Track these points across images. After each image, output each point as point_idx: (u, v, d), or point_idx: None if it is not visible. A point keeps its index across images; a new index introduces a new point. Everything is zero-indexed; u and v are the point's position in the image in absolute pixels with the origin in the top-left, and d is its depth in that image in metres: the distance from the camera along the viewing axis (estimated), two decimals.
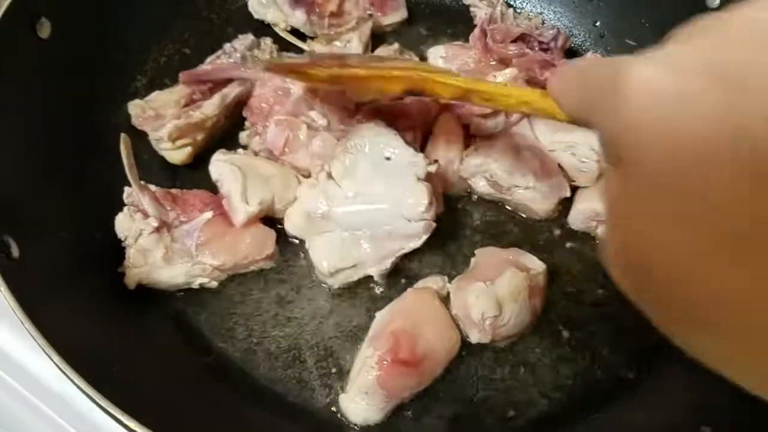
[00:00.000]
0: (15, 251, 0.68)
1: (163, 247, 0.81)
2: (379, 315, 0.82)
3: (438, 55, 1.02)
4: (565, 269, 0.91)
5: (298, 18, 1.04)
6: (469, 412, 0.80)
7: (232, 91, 0.95)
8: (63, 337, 0.62)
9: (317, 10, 1.04)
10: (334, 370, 0.82)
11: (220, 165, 0.88)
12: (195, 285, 0.84)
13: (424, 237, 0.82)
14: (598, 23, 1.12)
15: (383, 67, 0.79)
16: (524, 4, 1.15)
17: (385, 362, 0.75)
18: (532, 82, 0.97)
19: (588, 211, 0.91)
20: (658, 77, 0.33)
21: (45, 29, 0.83)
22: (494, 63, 0.99)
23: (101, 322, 0.75)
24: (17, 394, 0.84)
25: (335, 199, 0.82)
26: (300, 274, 0.88)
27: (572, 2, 1.13)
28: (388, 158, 0.83)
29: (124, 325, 0.79)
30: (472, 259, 0.88)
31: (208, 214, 0.85)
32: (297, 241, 0.89)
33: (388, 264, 0.84)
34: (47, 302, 0.67)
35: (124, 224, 0.82)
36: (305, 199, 0.84)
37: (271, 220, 0.89)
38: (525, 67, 0.97)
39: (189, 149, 0.91)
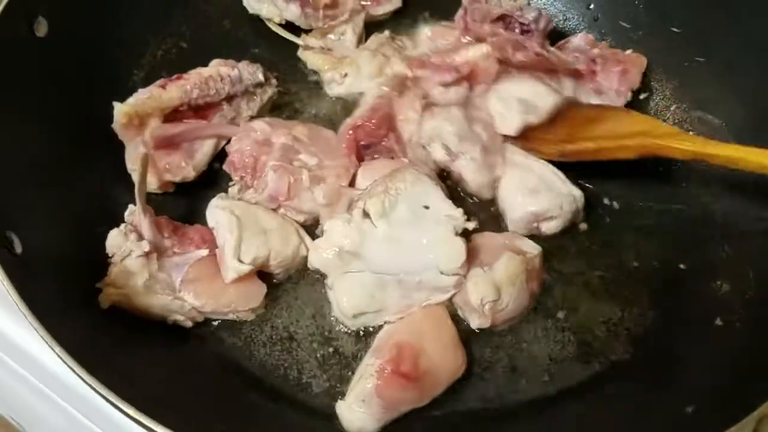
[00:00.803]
0: (18, 247, 0.70)
1: (147, 274, 0.79)
2: (386, 326, 0.82)
3: (425, 35, 1.04)
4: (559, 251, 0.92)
5: (293, 12, 1.04)
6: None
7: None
8: (65, 330, 0.64)
9: (311, 2, 1.05)
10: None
11: (217, 213, 0.86)
12: (169, 321, 0.81)
13: (453, 292, 0.82)
14: (591, 6, 1.13)
15: (612, 136, 0.88)
16: None
17: (385, 372, 0.75)
18: (504, 61, 0.98)
19: (525, 216, 0.90)
20: None
21: (42, 28, 0.85)
22: (467, 40, 1.00)
23: (102, 314, 0.76)
24: (23, 379, 0.87)
25: (369, 238, 0.81)
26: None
27: None
28: (426, 207, 0.83)
29: (125, 317, 0.79)
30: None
31: (203, 252, 0.83)
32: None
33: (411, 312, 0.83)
34: (50, 298, 0.69)
35: (116, 241, 0.80)
36: (337, 233, 0.81)
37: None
38: (498, 47, 0.97)
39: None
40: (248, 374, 0.82)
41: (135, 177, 0.82)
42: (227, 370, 0.82)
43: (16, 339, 0.87)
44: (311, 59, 1.04)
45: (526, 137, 0.92)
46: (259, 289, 0.84)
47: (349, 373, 0.82)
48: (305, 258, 0.86)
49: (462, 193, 0.95)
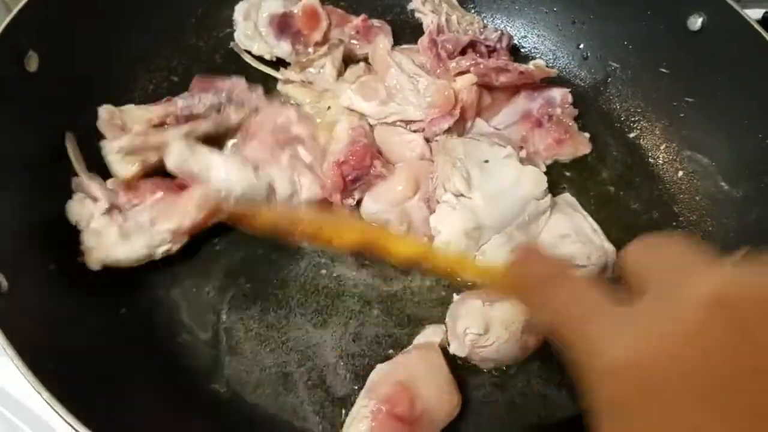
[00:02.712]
0: (4, 286, 0.68)
1: (116, 226, 0.82)
2: (379, 367, 0.80)
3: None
4: None
5: (284, 49, 1.05)
6: None
7: (201, 126, 0.93)
8: (53, 374, 0.62)
9: (302, 40, 1.05)
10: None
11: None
12: (158, 255, 0.85)
13: (549, 209, 0.90)
14: (581, 45, 1.14)
15: (331, 221, 0.82)
16: (508, 27, 1.16)
17: (380, 414, 0.73)
18: (487, 86, 1.02)
19: None
20: (631, 354, 0.35)
21: (33, 62, 0.83)
22: (450, 69, 1.00)
23: (92, 354, 0.74)
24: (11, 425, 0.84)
25: (476, 209, 0.86)
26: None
27: (555, 25, 1.15)
28: (486, 161, 0.90)
29: (113, 355, 0.78)
30: None
31: (159, 194, 0.87)
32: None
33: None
34: (37, 338, 0.67)
35: (74, 209, 0.83)
36: (454, 220, 0.86)
37: None
38: (481, 74, 0.99)
39: (137, 167, 0.88)
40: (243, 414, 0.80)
41: (70, 153, 0.85)
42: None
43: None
44: (292, 92, 1.03)
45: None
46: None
47: (342, 414, 0.80)
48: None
49: None
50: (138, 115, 0.92)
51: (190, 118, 0.94)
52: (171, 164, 0.87)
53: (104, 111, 0.90)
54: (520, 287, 0.47)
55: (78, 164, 0.84)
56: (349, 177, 0.91)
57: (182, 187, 0.88)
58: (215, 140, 0.95)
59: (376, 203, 0.92)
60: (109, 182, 0.86)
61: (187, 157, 0.86)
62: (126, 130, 0.90)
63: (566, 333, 0.40)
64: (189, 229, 0.86)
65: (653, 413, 0.33)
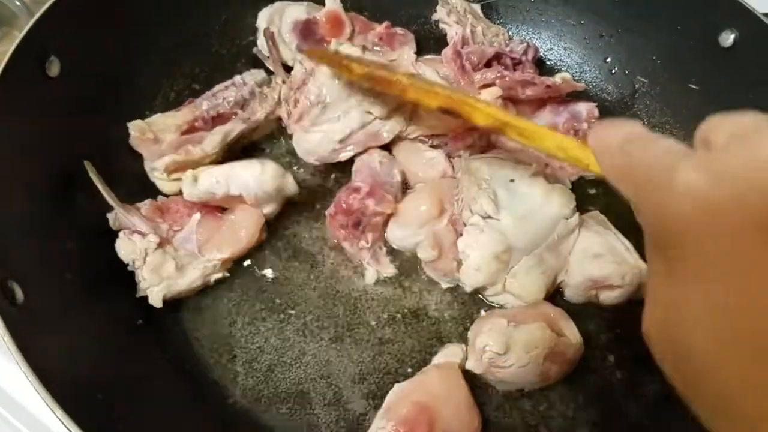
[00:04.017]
0: (19, 296, 0.67)
1: (171, 259, 0.83)
2: (398, 386, 0.79)
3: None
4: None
5: None
6: None
7: (234, 128, 0.94)
8: (67, 389, 0.61)
9: (325, 46, 1.04)
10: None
11: None
12: (212, 281, 0.86)
13: (578, 228, 0.88)
14: (608, 59, 1.12)
15: (425, 82, 0.79)
16: (534, 39, 1.14)
17: None
18: (513, 99, 0.99)
19: (584, 282, 0.87)
20: (703, 186, 0.37)
21: (54, 68, 0.83)
22: (475, 82, 0.98)
23: (106, 368, 0.73)
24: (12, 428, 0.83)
25: (506, 231, 0.84)
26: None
27: (583, 39, 1.13)
28: (512, 180, 0.87)
29: (129, 368, 0.77)
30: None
31: (197, 216, 0.87)
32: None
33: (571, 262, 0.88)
34: (50, 350, 0.66)
35: (126, 248, 0.83)
36: (485, 243, 0.83)
37: None
38: (507, 87, 0.97)
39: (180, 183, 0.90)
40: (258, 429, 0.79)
41: (99, 186, 0.83)
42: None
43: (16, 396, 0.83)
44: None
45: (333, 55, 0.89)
46: (255, 212, 0.89)
47: None
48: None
49: None
50: (167, 123, 0.92)
51: (216, 117, 0.94)
52: (196, 198, 0.87)
53: (134, 128, 0.90)
54: (599, 154, 0.48)
55: (110, 197, 0.83)
56: (349, 224, 0.89)
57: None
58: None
59: (401, 228, 0.91)
60: (143, 209, 0.86)
61: (210, 186, 0.86)
62: (158, 140, 0.90)
63: (645, 176, 0.42)
64: (238, 255, 0.88)
65: (715, 237, 0.36)
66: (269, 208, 0.90)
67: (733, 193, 0.35)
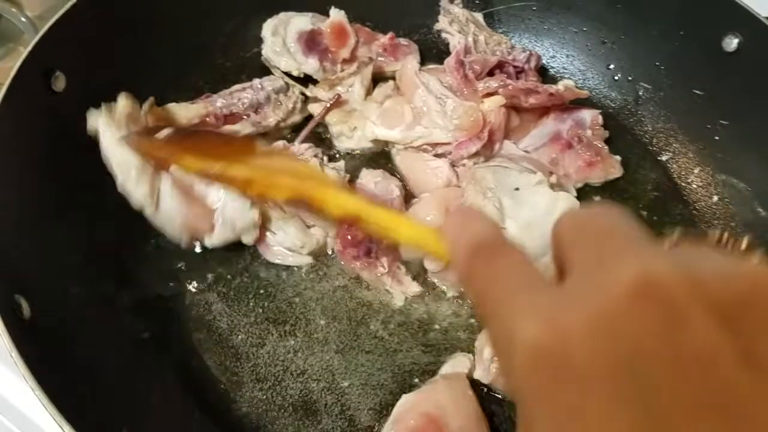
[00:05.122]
0: (26, 310, 0.67)
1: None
2: (405, 397, 0.78)
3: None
4: None
5: (311, 65, 1.04)
6: None
7: (243, 130, 0.95)
8: (74, 404, 0.61)
9: (330, 56, 1.05)
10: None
11: None
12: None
13: None
14: (611, 66, 1.12)
15: (266, 169, 0.71)
16: (536, 47, 1.14)
17: None
18: (516, 108, 1.00)
19: None
20: (545, 343, 0.30)
21: (60, 82, 0.83)
22: (478, 90, 0.98)
23: (112, 381, 0.73)
24: None
25: (513, 240, 0.82)
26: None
27: (585, 46, 1.13)
28: (517, 189, 0.87)
29: (135, 380, 0.77)
30: None
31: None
32: None
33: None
34: (57, 364, 0.66)
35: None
36: None
37: None
38: (510, 95, 0.97)
39: None
40: None
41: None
42: None
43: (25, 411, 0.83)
44: (318, 112, 1.02)
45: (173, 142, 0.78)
46: None
47: None
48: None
49: None
50: (179, 113, 0.93)
51: (228, 116, 0.95)
52: None
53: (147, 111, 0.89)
54: (451, 253, 0.43)
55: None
56: (360, 254, 0.89)
57: None
58: None
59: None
60: None
61: None
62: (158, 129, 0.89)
63: (488, 310, 0.36)
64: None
65: (562, 404, 0.29)
66: (248, 238, 0.88)
67: (583, 348, 0.29)
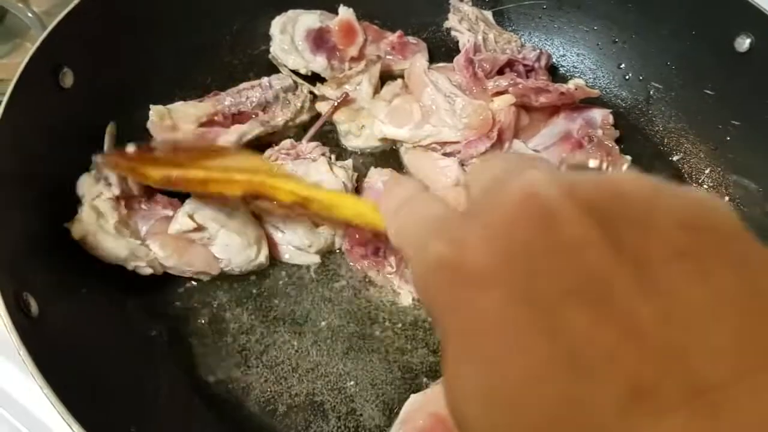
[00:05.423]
0: (34, 309, 0.67)
1: (116, 216, 0.80)
2: (413, 397, 0.78)
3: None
4: None
5: (319, 63, 1.03)
6: None
7: (252, 130, 0.94)
8: (83, 403, 0.60)
9: (338, 54, 1.04)
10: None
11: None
12: (130, 266, 0.80)
13: None
14: (622, 65, 1.11)
15: (222, 168, 0.75)
16: (546, 45, 1.14)
17: None
18: (526, 107, 0.99)
19: None
20: (451, 260, 0.34)
21: (68, 79, 0.83)
22: (487, 89, 0.98)
23: (121, 380, 0.73)
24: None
25: None
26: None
27: (596, 45, 1.12)
28: None
29: (144, 379, 0.77)
30: None
31: (169, 212, 0.85)
32: None
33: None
34: (66, 363, 0.66)
35: (85, 184, 0.81)
36: None
37: None
38: (520, 94, 0.97)
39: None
40: None
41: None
42: None
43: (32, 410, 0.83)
44: (326, 110, 1.02)
45: (132, 157, 0.77)
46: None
47: None
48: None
49: None
50: (187, 112, 0.93)
51: (237, 115, 0.95)
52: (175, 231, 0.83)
53: (155, 112, 0.90)
54: (383, 218, 0.48)
55: (109, 146, 0.84)
56: (368, 254, 0.89)
57: None
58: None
59: None
60: (131, 180, 0.84)
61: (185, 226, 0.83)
62: (176, 128, 0.90)
63: (409, 249, 0.41)
64: (171, 268, 0.84)
65: (464, 305, 0.33)
66: (258, 266, 0.88)
67: (477, 253, 0.32)
